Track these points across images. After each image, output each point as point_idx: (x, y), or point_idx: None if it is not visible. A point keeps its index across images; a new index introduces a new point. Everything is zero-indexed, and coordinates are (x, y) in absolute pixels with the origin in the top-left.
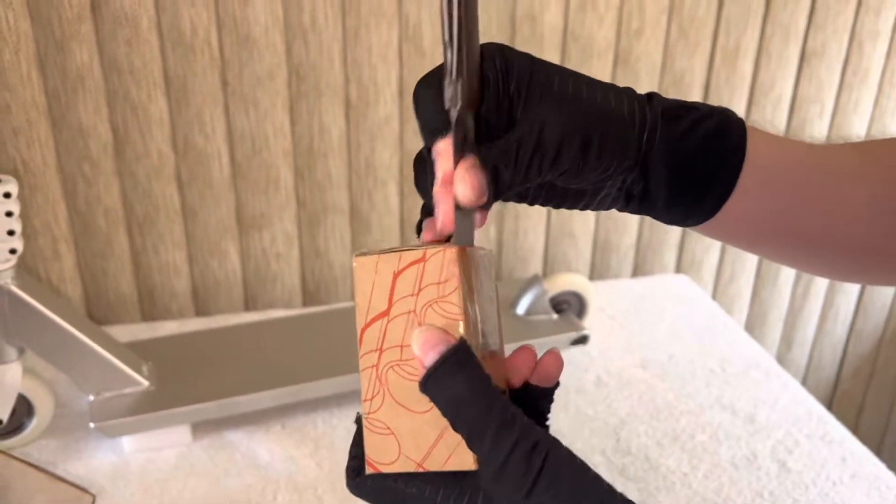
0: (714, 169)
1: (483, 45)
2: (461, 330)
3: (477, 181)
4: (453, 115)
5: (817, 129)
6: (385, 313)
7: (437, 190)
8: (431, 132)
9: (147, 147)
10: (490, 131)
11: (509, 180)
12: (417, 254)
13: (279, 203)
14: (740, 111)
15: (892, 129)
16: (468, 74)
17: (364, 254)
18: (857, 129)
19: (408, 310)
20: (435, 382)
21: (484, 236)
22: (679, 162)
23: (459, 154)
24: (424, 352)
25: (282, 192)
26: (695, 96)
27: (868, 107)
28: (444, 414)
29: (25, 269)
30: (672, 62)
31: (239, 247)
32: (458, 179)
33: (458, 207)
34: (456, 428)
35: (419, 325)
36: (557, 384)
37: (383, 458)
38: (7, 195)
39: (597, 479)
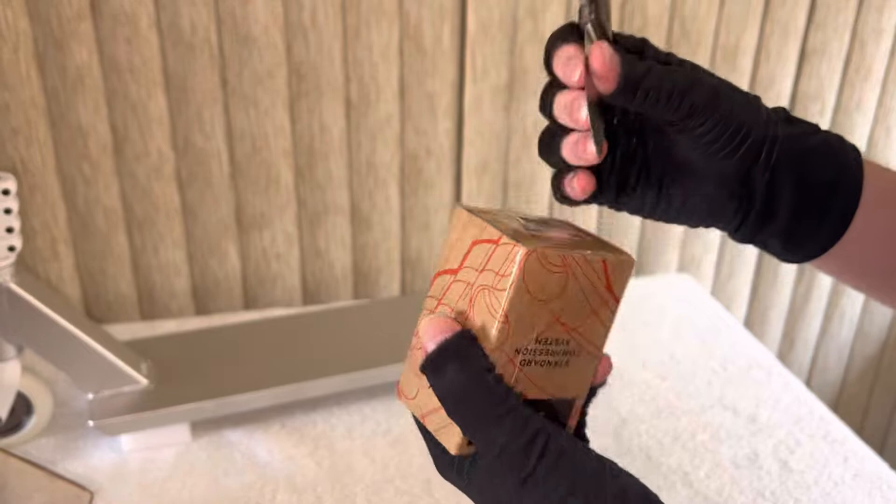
0: (836, 176)
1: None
2: (495, 330)
3: (613, 60)
4: (585, 13)
5: None
6: (454, 271)
7: (572, 92)
8: (557, 40)
9: (147, 146)
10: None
11: (641, 77)
12: (495, 233)
13: (279, 203)
14: None
15: None
16: None
17: (470, 208)
18: (860, 127)
19: (468, 280)
20: (432, 369)
21: None
22: (802, 166)
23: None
24: (427, 339)
25: (282, 192)
26: None
27: (872, 105)
28: (440, 401)
29: (24, 269)
30: None
31: (239, 246)
32: (596, 54)
33: (591, 106)
34: (450, 416)
35: (470, 302)
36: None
37: (407, 392)
38: (6, 192)
39: (599, 464)
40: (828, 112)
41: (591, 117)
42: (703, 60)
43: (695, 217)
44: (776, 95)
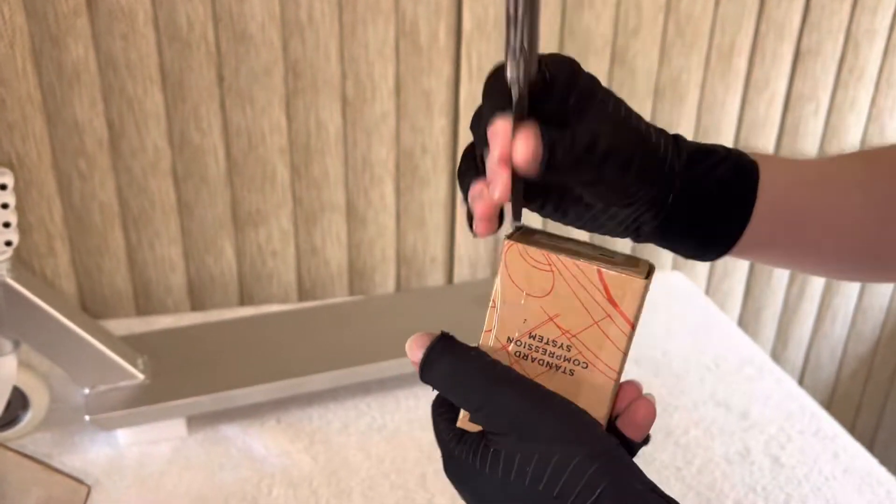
0: (729, 207)
1: (556, 55)
2: (487, 315)
3: (535, 143)
4: (515, 91)
5: (812, 127)
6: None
7: (494, 165)
8: (493, 110)
9: (143, 142)
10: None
11: (561, 158)
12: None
13: (275, 200)
14: (734, 109)
15: (890, 128)
16: (530, 53)
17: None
18: (854, 127)
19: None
20: (426, 373)
21: None
22: (697, 201)
23: (519, 125)
24: (413, 354)
25: (278, 189)
26: (691, 95)
27: (865, 105)
28: (444, 395)
29: (20, 264)
30: (668, 60)
31: (235, 243)
32: (518, 139)
33: (512, 181)
34: (456, 402)
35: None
36: (647, 440)
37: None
38: (3, 187)
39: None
40: (822, 112)
41: (512, 189)
42: (697, 60)
43: (593, 227)
44: (770, 96)
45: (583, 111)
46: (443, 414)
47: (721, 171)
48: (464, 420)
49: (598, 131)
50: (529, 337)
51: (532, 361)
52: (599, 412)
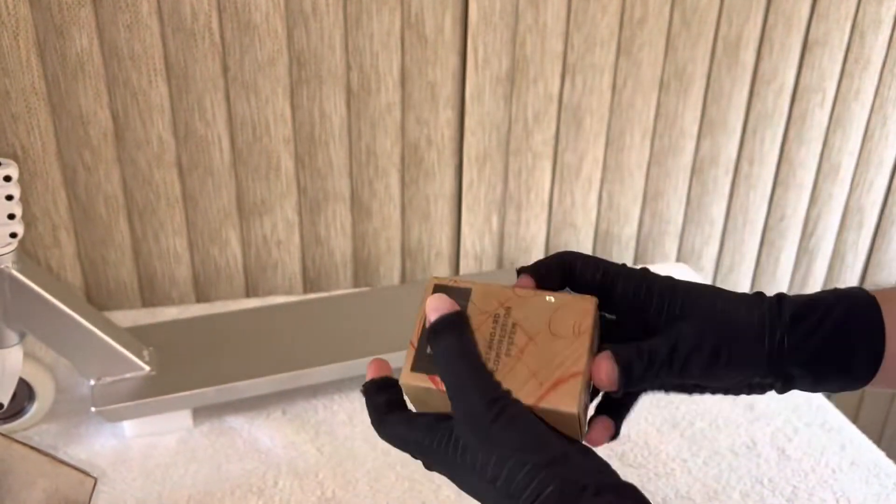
0: (849, 356)
1: (631, 270)
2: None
3: (609, 368)
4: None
5: (818, 118)
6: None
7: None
8: None
9: (147, 134)
10: (627, 335)
11: (640, 375)
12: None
13: (280, 190)
14: (741, 101)
15: (893, 118)
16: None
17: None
18: (858, 117)
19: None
20: (433, 336)
21: (486, 226)
22: (811, 359)
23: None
24: (431, 313)
25: (282, 180)
26: (696, 86)
27: (869, 95)
28: (436, 362)
29: (25, 255)
30: (674, 52)
31: (240, 234)
32: (594, 367)
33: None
34: (442, 377)
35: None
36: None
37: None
38: (7, 178)
39: (546, 435)
40: (828, 103)
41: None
42: (703, 52)
43: (721, 392)
44: (778, 87)
45: (667, 313)
46: (390, 411)
47: (831, 322)
48: (407, 374)
49: (678, 337)
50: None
51: (506, 353)
52: (543, 296)
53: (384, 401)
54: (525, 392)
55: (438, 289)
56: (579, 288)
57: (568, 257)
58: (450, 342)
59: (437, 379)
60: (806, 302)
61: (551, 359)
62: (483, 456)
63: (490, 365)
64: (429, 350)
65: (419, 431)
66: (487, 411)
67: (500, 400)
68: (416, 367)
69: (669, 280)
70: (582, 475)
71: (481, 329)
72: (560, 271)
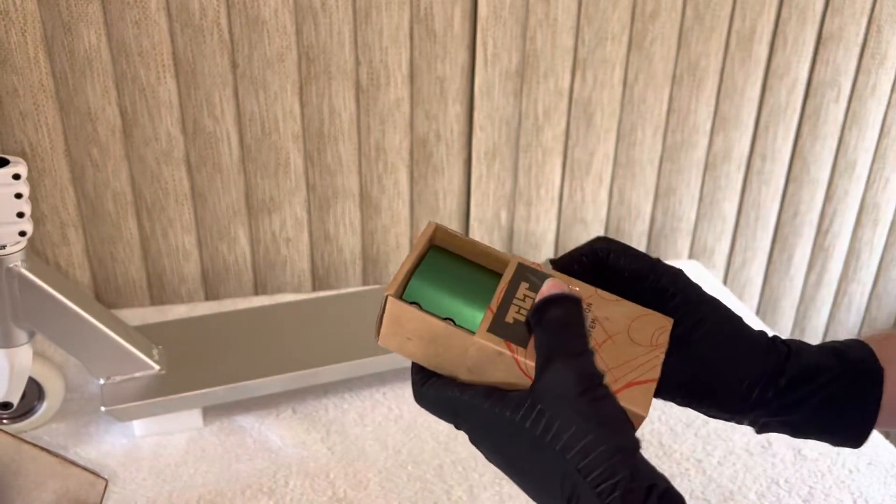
0: (837, 427)
1: (666, 267)
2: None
3: None
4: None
5: (832, 114)
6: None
7: None
8: None
9: (156, 130)
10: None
11: None
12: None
13: (289, 187)
14: (754, 96)
15: None
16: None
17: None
18: (875, 113)
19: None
20: (545, 306)
21: (495, 222)
22: (795, 422)
23: None
24: (549, 289)
25: (291, 176)
26: (710, 81)
27: (886, 91)
28: (543, 328)
29: (34, 253)
30: (687, 46)
31: (248, 231)
32: None
33: None
34: (540, 344)
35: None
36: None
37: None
38: (16, 177)
39: (628, 426)
40: (843, 99)
41: None
42: (716, 46)
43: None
44: (792, 82)
45: (683, 330)
46: (437, 376)
47: (827, 394)
48: (483, 334)
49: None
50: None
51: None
52: (627, 305)
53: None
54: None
55: (520, 269)
56: (612, 276)
57: (601, 251)
58: (563, 313)
59: (514, 346)
60: (806, 368)
61: (629, 360)
62: (561, 423)
63: None
64: (512, 319)
65: (474, 393)
66: (580, 383)
67: (595, 377)
68: (492, 330)
69: (698, 290)
70: (650, 473)
71: None
72: (592, 265)
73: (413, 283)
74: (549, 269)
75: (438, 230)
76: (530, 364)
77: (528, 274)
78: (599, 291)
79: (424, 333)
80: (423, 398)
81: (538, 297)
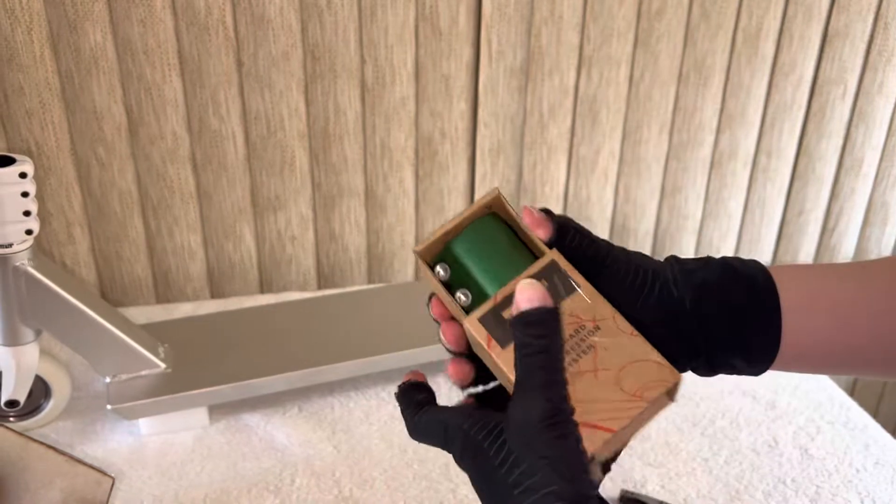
0: (749, 293)
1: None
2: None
3: (541, 215)
4: None
5: (839, 111)
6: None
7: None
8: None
9: (161, 129)
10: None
11: (564, 219)
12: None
13: (294, 185)
14: (761, 94)
15: None
16: None
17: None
18: (882, 111)
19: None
20: (521, 325)
21: None
22: (717, 293)
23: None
24: (523, 302)
25: (297, 175)
26: (715, 79)
27: (893, 88)
28: (516, 353)
29: (40, 252)
30: (693, 44)
31: (254, 229)
32: (527, 217)
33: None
34: (516, 367)
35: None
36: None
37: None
38: (23, 175)
39: (583, 471)
40: (849, 96)
41: None
42: (723, 44)
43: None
44: (797, 80)
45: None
46: (429, 405)
47: (721, 262)
48: (473, 320)
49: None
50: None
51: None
52: (640, 343)
53: (423, 398)
54: None
55: (550, 267)
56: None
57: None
58: (539, 334)
59: (493, 343)
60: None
61: (600, 401)
62: (517, 457)
63: None
64: (505, 315)
65: (460, 414)
66: (545, 417)
67: (562, 413)
68: (483, 320)
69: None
70: None
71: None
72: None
73: (455, 243)
74: (578, 276)
75: (499, 200)
76: (504, 368)
77: (553, 274)
78: (618, 317)
79: (440, 296)
80: (415, 429)
81: (514, 308)
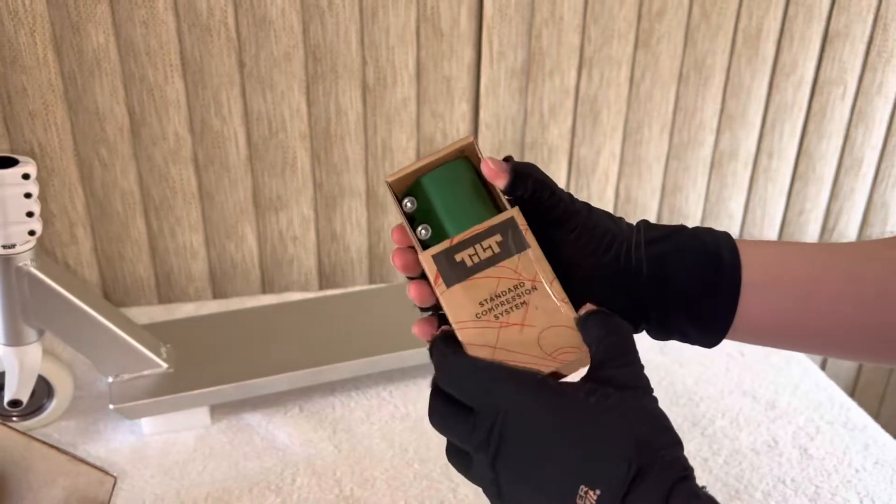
0: (712, 263)
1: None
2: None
3: (499, 164)
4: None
5: (839, 112)
6: None
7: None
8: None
9: (164, 130)
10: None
11: (522, 167)
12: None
13: (296, 186)
14: (761, 94)
15: None
16: None
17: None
18: (881, 111)
19: None
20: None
21: None
22: (675, 260)
23: None
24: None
25: (298, 175)
26: (716, 78)
27: (892, 88)
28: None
29: (43, 252)
30: (693, 44)
31: (256, 229)
32: (486, 168)
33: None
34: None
35: None
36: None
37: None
38: (26, 176)
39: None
40: (849, 96)
41: None
42: (723, 45)
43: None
44: (798, 80)
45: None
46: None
47: (688, 233)
48: (427, 256)
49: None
50: (482, 304)
51: (496, 315)
52: (566, 311)
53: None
54: (480, 347)
55: (507, 223)
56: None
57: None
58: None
59: (440, 281)
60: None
61: (520, 353)
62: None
63: (478, 309)
64: (460, 259)
65: (521, 377)
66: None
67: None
68: (437, 258)
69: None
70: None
71: (502, 280)
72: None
73: (424, 180)
74: (531, 238)
75: (472, 147)
76: (444, 305)
77: (508, 230)
78: (555, 283)
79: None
80: (450, 368)
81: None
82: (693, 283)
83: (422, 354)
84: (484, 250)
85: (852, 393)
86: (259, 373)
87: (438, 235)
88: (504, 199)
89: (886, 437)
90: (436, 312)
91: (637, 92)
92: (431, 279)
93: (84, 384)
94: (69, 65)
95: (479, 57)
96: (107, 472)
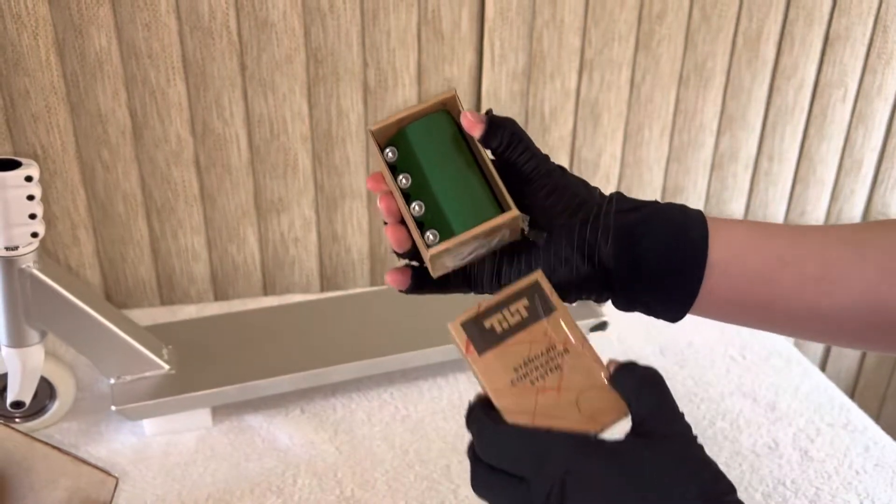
0: (677, 238)
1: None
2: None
3: (476, 115)
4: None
5: (839, 114)
6: None
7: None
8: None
9: (166, 132)
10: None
11: (500, 120)
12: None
13: (297, 187)
14: (762, 96)
15: None
16: None
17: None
18: (881, 113)
19: None
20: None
21: None
22: (642, 234)
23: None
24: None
25: (300, 177)
26: (716, 81)
27: (892, 91)
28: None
29: (45, 254)
30: (694, 47)
31: (257, 231)
32: (465, 120)
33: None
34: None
35: None
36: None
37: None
38: (29, 178)
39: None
40: (850, 99)
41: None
42: (723, 47)
43: (569, 292)
44: (799, 83)
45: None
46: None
47: (656, 207)
48: (457, 325)
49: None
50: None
51: (532, 380)
52: (600, 371)
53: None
54: (519, 414)
55: (532, 287)
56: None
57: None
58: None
59: (472, 348)
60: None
61: (560, 418)
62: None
63: (512, 375)
64: (489, 326)
65: (577, 440)
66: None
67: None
68: (466, 326)
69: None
70: None
71: (533, 344)
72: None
73: (407, 130)
74: (556, 299)
75: (454, 100)
76: (476, 368)
77: (535, 294)
78: (587, 344)
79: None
80: (496, 439)
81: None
82: (657, 257)
83: (423, 356)
84: (512, 315)
85: (852, 395)
86: (260, 374)
87: (418, 185)
88: (483, 151)
89: (887, 438)
90: (410, 261)
91: (638, 94)
92: (462, 347)
93: (86, 385)
94: (71, 67)
95: (480, 59)
96: (108, 473)
